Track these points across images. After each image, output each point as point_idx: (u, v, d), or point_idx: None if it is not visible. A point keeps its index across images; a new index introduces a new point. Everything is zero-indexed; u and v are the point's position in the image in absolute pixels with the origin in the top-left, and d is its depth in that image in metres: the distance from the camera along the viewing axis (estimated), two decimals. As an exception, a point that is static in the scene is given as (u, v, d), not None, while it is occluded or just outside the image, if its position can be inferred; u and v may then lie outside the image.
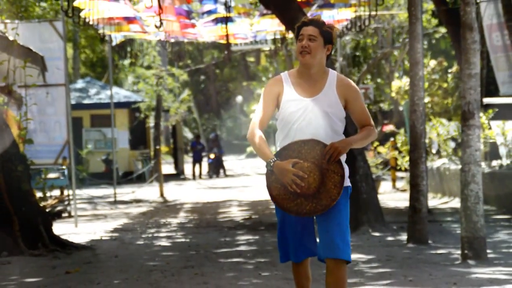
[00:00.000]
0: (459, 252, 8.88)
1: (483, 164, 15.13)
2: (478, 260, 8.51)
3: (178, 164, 33.19)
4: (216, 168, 32.03)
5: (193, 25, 16.40)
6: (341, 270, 5.02)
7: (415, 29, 10.22)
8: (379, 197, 13.12)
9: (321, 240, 5.06)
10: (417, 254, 9.32)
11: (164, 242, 11.21)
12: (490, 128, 15.81)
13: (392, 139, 20.74)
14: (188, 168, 33.56)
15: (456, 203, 15.41)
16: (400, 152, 18.49)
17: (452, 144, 17.31)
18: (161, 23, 13.37)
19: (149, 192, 22.32)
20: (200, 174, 31.19)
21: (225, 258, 9.38)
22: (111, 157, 23.84)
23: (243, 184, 25.79)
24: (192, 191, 23.47)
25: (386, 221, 11.83)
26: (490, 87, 18.58)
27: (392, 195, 18.67)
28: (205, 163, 32.79)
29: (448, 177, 16.99)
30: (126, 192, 22.05)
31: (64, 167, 15.10)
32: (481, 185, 8.65)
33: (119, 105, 28.97)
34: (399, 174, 21.51)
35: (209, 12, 15.75)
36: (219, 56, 48.49)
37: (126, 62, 35.80)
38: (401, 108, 25.53)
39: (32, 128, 13.67)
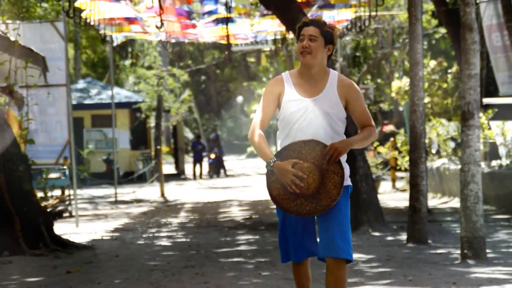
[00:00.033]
0: (458, 251, 8.90)
1: (482, 164, 15.15)
2: (478, 259, 8.53)
3: (178, 164, 33.21)
4: (217, 168, 32.06)
5: (194, 26, 16.41)
6: (341, 270, 5.04)
7: (415, 30, 10.24)
8: (379, 197, 13.15)
9: (321, 239, 5.08)
10: (417, 253, 9.34)
11: (165, 242, 11.24)
12: (489, 128, 15.83)
13: (392, 139, 20.76)
14: (188, 168, 33.57)
15: (455, 203, 15.44)
16: (400, 152, 18.52)
17: (451, 144, 17.34)
18: (162, 24, 13.38)
19: (149, 192, 22.34)
20: (201, 174, 31.21)
21: (226, 258, 9.41)
22: (112, 157, 23.85)
23: (244, 184, 25.80)
24: (193, 191, 23.49)
25: (386, 221, 11.86)
26: (489, 87, 18.60)
27: (392, 195, 18.69)
28: (205, 163, 32.81)
29: (447, 177, 17.01)
30: (127, 192, 22.07)
31: (65, 167, 15.12)
32: (480, 185, 8.67)
33: (120, 105, 28.99)
34: (399, 174, 21.53)
35: (210, 13, 15.77)
36: (219, 56, 48.52)
37: (127, 62, 35.80)
38: (401, 109, 25.56)
39: (33, 128, 13.71)
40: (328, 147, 4.98)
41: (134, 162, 29.81)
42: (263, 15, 15.97)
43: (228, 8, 15.05)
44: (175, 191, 22.94)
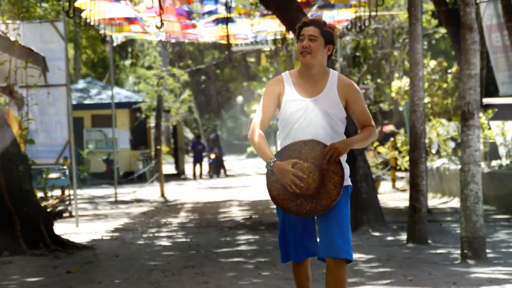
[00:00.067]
0: (458, 251, 8.90)
1: (482, 164, 15.15)
2: (478, 259, 8.53)
3: (178, 164, 33.22)
4: (217, 168, 32.06)
5: (194, 26, 16.42)
6: (341, 270, 5.04)
7: (415, 30, 10.25)
8: (379, 197, 13.15)
9: (321, 239, 5.07)
10: (416, 253, 9.34)
11: (165, 242, 11.24)
12: (489, 128, 15.83)
13: (392, 139, 20.76)
14: (188, 168, 33.58)
15: (455, 203, 15.44)
16: (400, 152, 18.52)
17: (451, 144, 17.34)
18: (162, 24, 13.38)
19: (149, 192, 22.35)
20: (201, 174, 31.21)
21: (226, 258, 9.41)
22: (112, 157, 23.85)
23: (244, 184, 25.81)
24: (193, 191, 23.49)
25: (386, 221, 11.86)
26: (489, 87, 18.60)
27: (392, 195, 18.69)
28: (205, 163, 32.81)
29: (447, 177, 17.01)
30: (127, 192, 22.07)
31: (65, 167, 15.12)
32: (480, 185, 8.68)
33: (120, 105, 29.00)
34: (399, 174, 21.53)
35: (210, 13, 15.77)
36: (219, 56, 48.52)
37: (127, 62, 35.81)
38: (401, 109, 25.56)
39: (33, 128, 13.71)
40: (328, 147, 4.97)
41: (134, 162, 29.81)
42: (263, 15, 15.97)
43: (228, 8, 15.05)
44: (175, 191, 22.94)
